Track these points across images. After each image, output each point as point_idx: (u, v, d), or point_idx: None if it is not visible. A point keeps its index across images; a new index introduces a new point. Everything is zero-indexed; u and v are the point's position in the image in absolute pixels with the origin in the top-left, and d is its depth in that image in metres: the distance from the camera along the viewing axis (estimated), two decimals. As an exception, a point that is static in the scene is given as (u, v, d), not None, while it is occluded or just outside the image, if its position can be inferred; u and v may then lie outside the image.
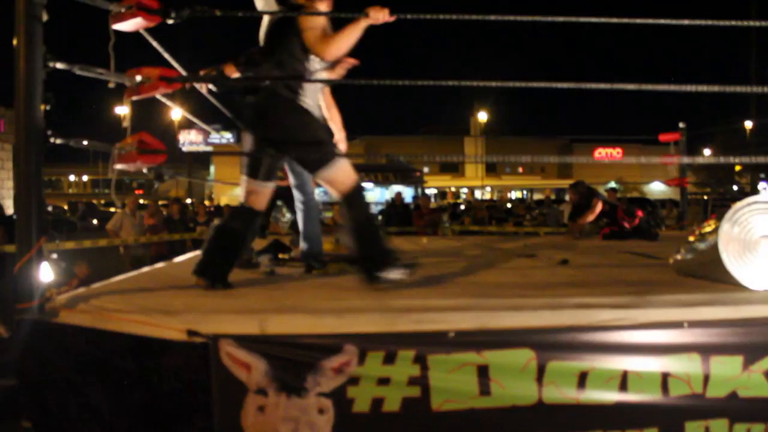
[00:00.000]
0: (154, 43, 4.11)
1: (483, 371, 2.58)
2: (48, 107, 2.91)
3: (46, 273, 2.84)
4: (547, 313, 2.70)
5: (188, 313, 2.70)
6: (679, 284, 3.42)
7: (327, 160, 3.40)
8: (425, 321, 2.64)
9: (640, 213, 7.63)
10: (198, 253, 5.18)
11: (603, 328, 2.66)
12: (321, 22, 3.39)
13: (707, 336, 2.70)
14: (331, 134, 3.75)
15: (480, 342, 2.60)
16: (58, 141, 2.98)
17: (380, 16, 3.24)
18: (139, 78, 3.35)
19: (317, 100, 3.68)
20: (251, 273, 4.04)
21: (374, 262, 3.32)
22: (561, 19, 3.29)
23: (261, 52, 3.66)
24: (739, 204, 3.33)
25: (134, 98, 3.49)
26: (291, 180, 4.26)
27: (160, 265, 4.71)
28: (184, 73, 4.24)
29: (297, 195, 4.28)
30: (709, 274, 3.45)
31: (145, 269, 4.39)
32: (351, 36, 3.29)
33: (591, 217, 7.84)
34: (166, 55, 4.42)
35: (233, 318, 2.67)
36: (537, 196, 29.83)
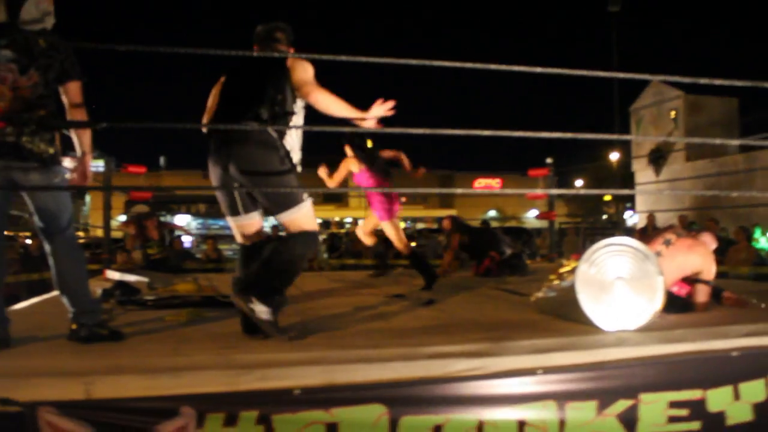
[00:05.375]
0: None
1: (332, 429, 2.43)
2: None
3: None
4: (399, 365, 2.57)
5: (1, 377, 2.37)
6: (536, 327, 3.38)
7: (296, 202, 3.24)
8: (269, 378, 2.45)
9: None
10: (44, 297, 4.73)
11: (457, 378, 2.57)
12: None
13: (561, 382, 2.67)
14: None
15: (328, 399, 2.44)
16: None
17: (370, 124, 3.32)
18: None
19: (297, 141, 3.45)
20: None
21: (263, 291, 3.08)
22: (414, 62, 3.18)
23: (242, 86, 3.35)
24: (596, 245, 3.36)
25: None
26: (36, 220, 3.09)
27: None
28: None
29: (47, 235, 3.10)
30: (568, 314, 3.46)
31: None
32: (338, 107, 3.25)
33: (449, 255, 7.81)
34: None
35: (54, 382, 2.37)
36: (420, 226, 30.29)
